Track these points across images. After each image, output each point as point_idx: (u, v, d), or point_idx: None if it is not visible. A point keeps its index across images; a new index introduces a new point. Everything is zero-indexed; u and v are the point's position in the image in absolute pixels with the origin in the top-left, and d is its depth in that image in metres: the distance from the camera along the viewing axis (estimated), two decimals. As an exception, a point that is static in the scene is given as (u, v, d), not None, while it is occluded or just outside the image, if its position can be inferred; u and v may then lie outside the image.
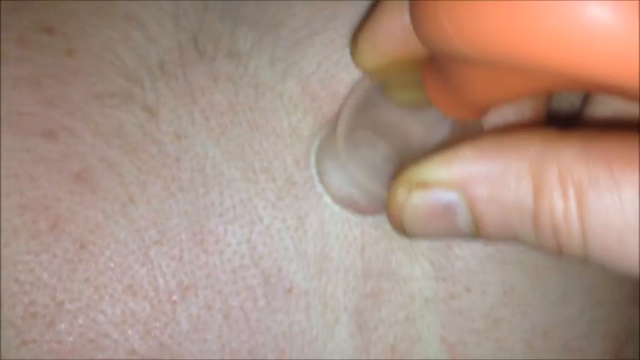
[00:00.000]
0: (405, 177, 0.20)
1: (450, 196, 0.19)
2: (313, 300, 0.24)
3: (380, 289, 0.25)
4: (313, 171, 0.25)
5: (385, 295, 0.25)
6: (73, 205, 0.23)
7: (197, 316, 0.23)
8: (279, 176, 0.24)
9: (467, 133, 0.23)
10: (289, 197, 0.24)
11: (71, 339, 0.23)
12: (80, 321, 0.23)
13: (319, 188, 0.25)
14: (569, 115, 0.26)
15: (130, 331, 0.23)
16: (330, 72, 0.25)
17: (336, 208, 0.25)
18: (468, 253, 0.25)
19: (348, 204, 0.25)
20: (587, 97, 0.24)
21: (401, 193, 0.20)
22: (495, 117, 0.23)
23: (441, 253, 0.25)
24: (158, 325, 0.23)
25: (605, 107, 0.23)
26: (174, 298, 0.23)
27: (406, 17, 0.22)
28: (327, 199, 0.25)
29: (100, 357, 0.23)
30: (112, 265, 0.23)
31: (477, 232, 0.20)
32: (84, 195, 0.23)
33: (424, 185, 0.20)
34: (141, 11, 0.25)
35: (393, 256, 0.25)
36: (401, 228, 0.21)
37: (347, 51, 0.25)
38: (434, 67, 0.20)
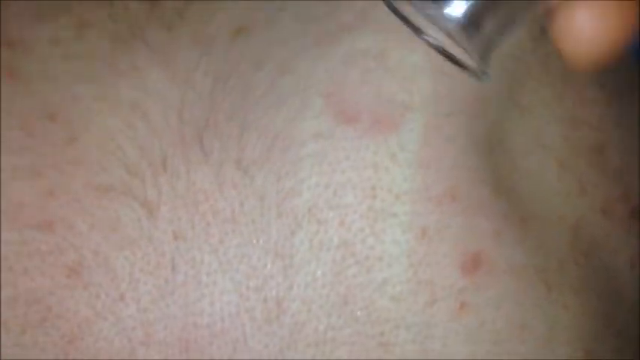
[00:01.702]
0: None
1: None
2: None
3: None
4: None
5: None
6: (64, 300, 0.23)
7: None
8: (271, 298, 0.24)
9: None
10: (276, 324, 0.24)
11: None
12: None
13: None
14: None
15: None
16: (338, 194, 0.24)
17: None
18: None
19: None
20: None
21: None
22: None
23: None
24: None
25: None
26: None
27: None
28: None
29: None
30: None
31: None
32: (76, 289, 0.24)
33: None
34: (145, 101, 0.25)
35: None
36: None
37: (353, 176, 0.24)
38: None
